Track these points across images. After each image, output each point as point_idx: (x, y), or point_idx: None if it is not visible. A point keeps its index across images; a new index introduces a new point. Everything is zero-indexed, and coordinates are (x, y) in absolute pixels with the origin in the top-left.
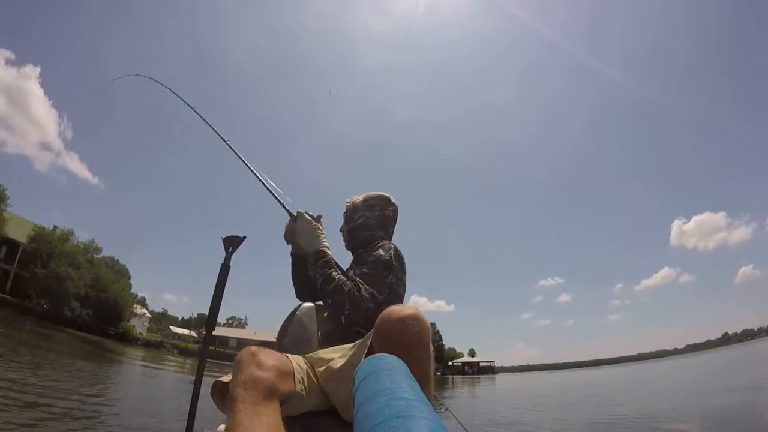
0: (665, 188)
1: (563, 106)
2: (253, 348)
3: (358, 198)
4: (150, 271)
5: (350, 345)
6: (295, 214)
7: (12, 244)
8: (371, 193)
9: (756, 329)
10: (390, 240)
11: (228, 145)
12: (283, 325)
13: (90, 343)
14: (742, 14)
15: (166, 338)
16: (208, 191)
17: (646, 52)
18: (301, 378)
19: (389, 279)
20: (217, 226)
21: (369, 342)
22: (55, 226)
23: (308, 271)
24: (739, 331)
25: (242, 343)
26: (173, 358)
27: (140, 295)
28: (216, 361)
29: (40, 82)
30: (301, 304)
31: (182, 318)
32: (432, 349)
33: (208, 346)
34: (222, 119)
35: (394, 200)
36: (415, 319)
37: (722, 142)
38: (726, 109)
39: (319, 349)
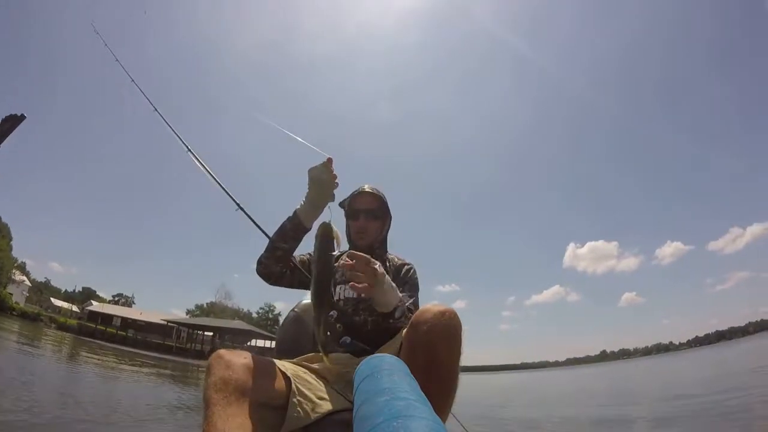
0: (567, 212)
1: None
2: (222, 351)
3: (381, 192)
4: (38, 234)
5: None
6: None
7: None
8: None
9: (632, 350)
10: None
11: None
12: (282, 324)
13: None
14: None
15: (45, 311)
16: (127, 161)
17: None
18: (300, 389)
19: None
20: (128, 194)
21: (402, 335)
22: None
23: (292, 247)
24: (616, 350)
25: (126, 321)
26: (50, 333)
27: (21, 260)
28: (98, 341)
29: None
30: (300, 302)
31: (66, 290)
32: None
33: None
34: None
35: None
36: (452, 313)
37: (633, 176)
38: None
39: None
